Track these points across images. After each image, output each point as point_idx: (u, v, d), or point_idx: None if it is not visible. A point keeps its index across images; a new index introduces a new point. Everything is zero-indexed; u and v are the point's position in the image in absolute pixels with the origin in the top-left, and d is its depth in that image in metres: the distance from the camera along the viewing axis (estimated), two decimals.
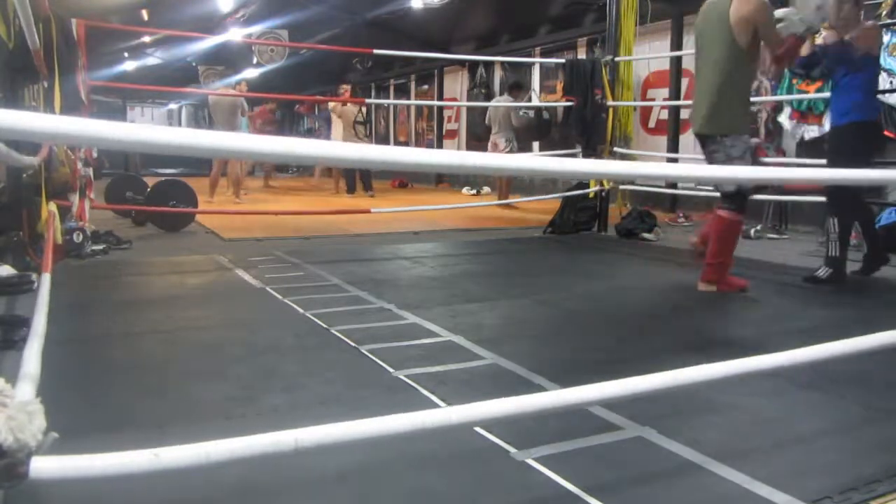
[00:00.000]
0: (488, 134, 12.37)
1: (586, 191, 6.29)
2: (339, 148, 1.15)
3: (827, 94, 6.26)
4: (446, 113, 13.90)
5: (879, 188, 5.77)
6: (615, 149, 6.35)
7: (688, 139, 7.37)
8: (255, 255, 4.84)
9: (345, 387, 2.26)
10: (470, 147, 12.86)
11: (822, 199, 4.36)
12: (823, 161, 5.90)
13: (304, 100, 17.74)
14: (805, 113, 6.82)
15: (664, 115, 8.65)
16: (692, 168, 3.97)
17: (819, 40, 4.42)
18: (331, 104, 11.67)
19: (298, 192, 11.48)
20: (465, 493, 1.57)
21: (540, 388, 2.17)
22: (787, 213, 6.50)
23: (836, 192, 4.10)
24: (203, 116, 19.38)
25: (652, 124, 9.04)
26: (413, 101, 15.05)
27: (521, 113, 9.25)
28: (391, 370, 2.38)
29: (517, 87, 9.77)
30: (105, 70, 12.20)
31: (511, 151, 8.94)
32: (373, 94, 16.29)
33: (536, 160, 1.61)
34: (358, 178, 10.91)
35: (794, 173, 4.21)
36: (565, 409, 1.48)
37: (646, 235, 5.93)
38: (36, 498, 1.28)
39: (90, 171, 6.41)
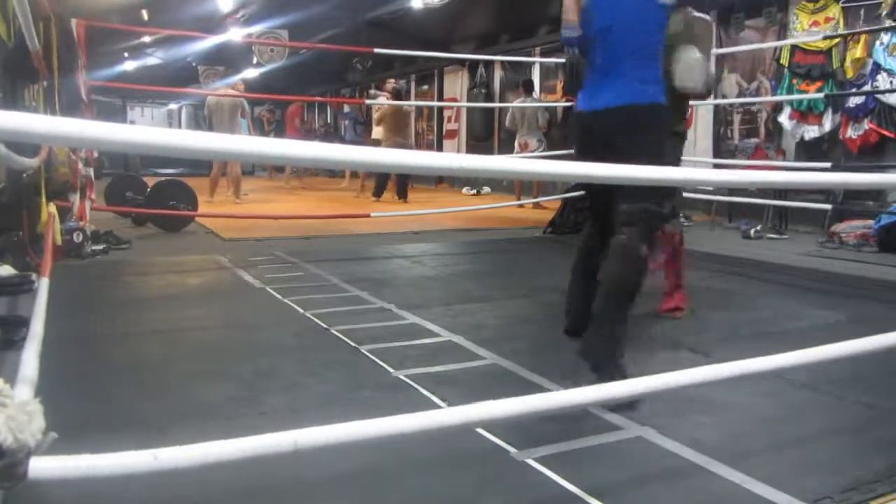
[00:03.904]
0: (489, 134, 12.37)
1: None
2: (333, 150, 1.15)
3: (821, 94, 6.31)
4: (446, 113, 13.88)
5: (879, 191, 5.77)
6: None
7: (687, 139, 7.35)
8: (255, 255, 4.84)
9: (345, 387, 2.26)
10: (469, 147, 12.84)
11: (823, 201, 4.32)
12: (822, 163, 5.91)
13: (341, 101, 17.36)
14: (805, 113, 6.82)
15: None
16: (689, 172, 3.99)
17: None
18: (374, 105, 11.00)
19: (301, 192, 11.46)
20: (466, 494, 1.57)
21: (540, 388, 2.17)
22: (787, 213, 6.50)
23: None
24: (203, 116, 19.38)
25: None
26: (413, 102, 15.04)
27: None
28: (391, 370, 2.38)
29: (530, 85, 9.59)
30: (105, 70, 12.18)
31: (542, 151, 8.85)
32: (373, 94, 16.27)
33: (528, 163, 1.61)
34: (391, 182, 10.03)
35: (793, 177, 4.20)
36: (565, 409, 1.48)
37: None
38: (35, 498, 1.28)
39: (91, 172, 6.40)
